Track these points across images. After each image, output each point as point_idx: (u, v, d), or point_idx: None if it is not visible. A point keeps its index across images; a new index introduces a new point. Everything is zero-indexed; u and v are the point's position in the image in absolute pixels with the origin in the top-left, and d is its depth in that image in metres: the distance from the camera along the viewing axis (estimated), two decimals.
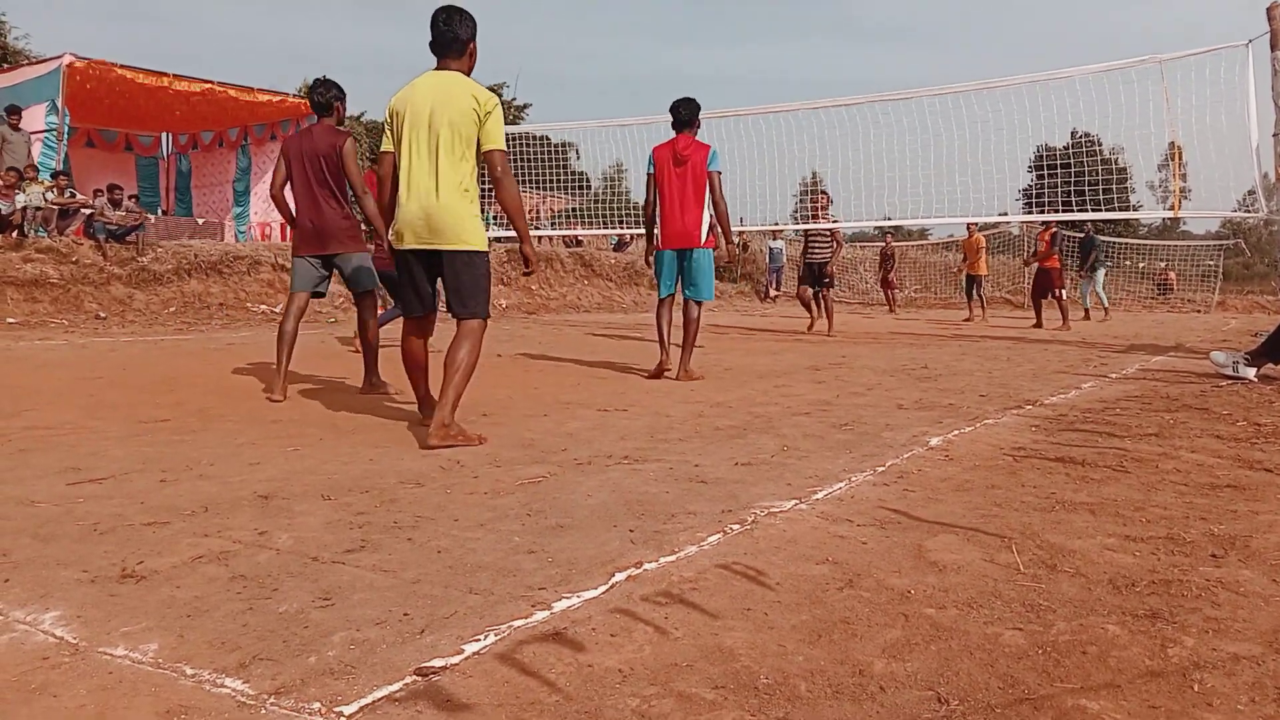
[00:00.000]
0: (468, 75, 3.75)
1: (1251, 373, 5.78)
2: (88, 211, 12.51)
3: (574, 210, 21.90)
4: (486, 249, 3.74)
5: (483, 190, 3.80)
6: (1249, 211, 9.46)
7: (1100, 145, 14.87)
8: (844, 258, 21.76)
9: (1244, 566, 2.13)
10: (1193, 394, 5.25)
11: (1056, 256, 13.12)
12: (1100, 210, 10.30)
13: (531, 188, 14.56)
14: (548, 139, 15.29)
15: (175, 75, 15.21)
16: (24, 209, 11.62)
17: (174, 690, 1.50)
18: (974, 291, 15.54)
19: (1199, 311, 20.65)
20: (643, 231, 6.58)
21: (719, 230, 6.23)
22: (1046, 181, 10.96)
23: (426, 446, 3.51)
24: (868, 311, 18.91)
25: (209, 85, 15.62)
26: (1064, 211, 10.56)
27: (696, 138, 6.05)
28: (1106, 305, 16.17)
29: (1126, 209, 13.13)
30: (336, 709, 1.43)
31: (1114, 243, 22.91)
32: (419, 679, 1.53)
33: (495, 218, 14.16)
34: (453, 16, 3.67)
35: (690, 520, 2.52)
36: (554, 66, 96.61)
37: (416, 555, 2.20)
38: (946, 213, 10.91)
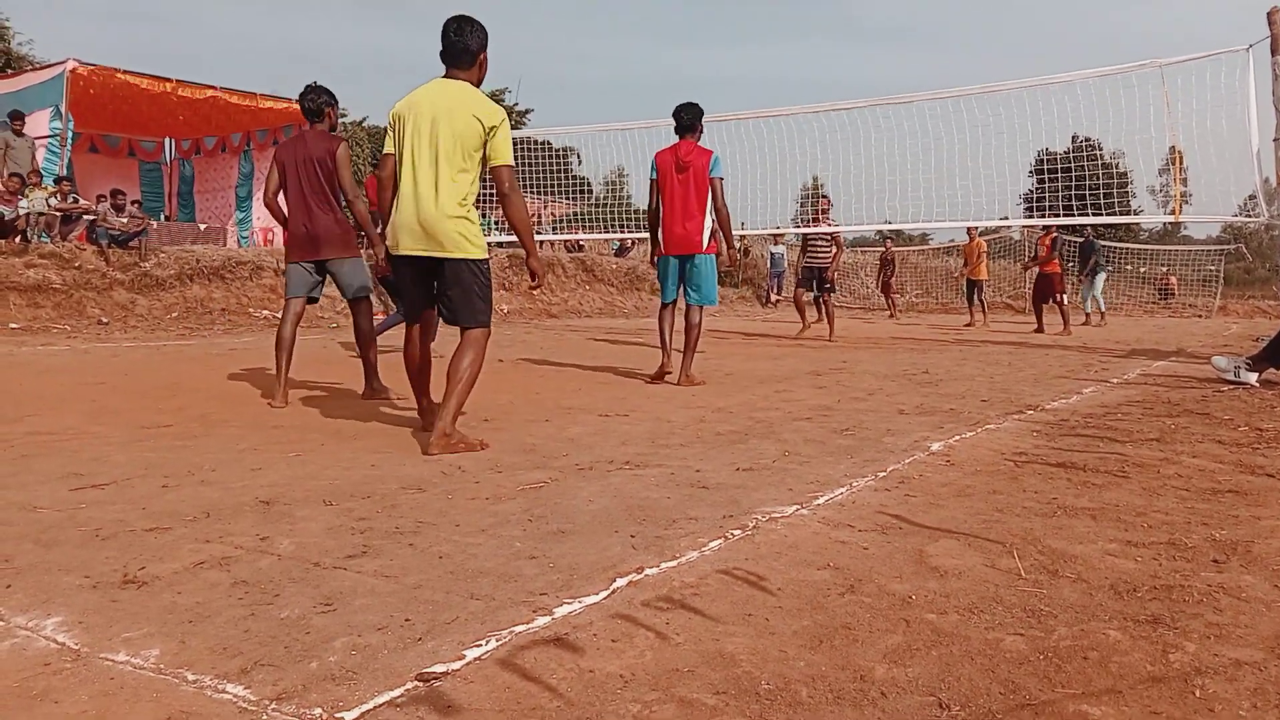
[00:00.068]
0: (477, 86, 3.73)
1: (1253, 378, 5.78)
2: (90, 217, 12.54)
3: (575, 215, 21.92)
4: (486, 257, 3.73)
5: (482, 193, 3.78)
6: (1250, 216, 9.46)
7: (1101, 149, 14.88)
8: (845, 263, 21.79)
9: (1246, 572, 2.13)
10: (1194, 399, 5.25)
11: (1057, 261, 13.13)
12: (1101, 215, 10.30)
13: (533, 193, 14.57)
14: (549, 144, 15.29)
15: (179, 81, 15.28)
16: (27, 214, 11.65)
17: (175, 696, 1.50)
18: (975, 296, 15.55)
19: (1200, 316, 20.65)
20: (644, 236, 6.60)
21: (721, 236, 6.24)
22: (1047, 186, 10.96)
23: (428, 454, 3.51)
24: (868, 316, 18.90)
25: (212, 91, 15.69)
26: (1065, 216, 10.57)
27: (699, 143, 6.06)
28: (1103, 310, 16.16)
29: (1127, 213, 13.15)
30: (338, 715, 1.43)
31: (1115, 247, 22.93)
32: (420, 685, 1.53)
33: (496, 223, 14.18)
34: (464, 27, 3.65)
35: (691, 525, 2.52)
36: (555, 71, 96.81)
37: (418, 561, 2.20)
38: (947, 217, 10.90)
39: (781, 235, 19.57)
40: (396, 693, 1.50)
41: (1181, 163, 9.07)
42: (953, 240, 23.84)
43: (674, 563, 2.19)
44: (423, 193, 3.58)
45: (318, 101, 5.07)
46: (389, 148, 3.75)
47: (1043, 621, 1.83)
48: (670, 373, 6.06)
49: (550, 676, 1.57)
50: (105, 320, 11.03)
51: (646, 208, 6.23)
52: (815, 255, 10.95)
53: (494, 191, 3.70)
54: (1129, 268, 24.63)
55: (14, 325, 10.16)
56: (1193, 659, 1.65)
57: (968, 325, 14.89)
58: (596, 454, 3.56)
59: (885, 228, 14.40)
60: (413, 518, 2.59)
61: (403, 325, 4.06)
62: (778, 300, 21.16)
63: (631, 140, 12.14)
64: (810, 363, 7.72)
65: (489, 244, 3.93)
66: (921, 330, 13.79)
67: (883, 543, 2.38)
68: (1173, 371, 7.05)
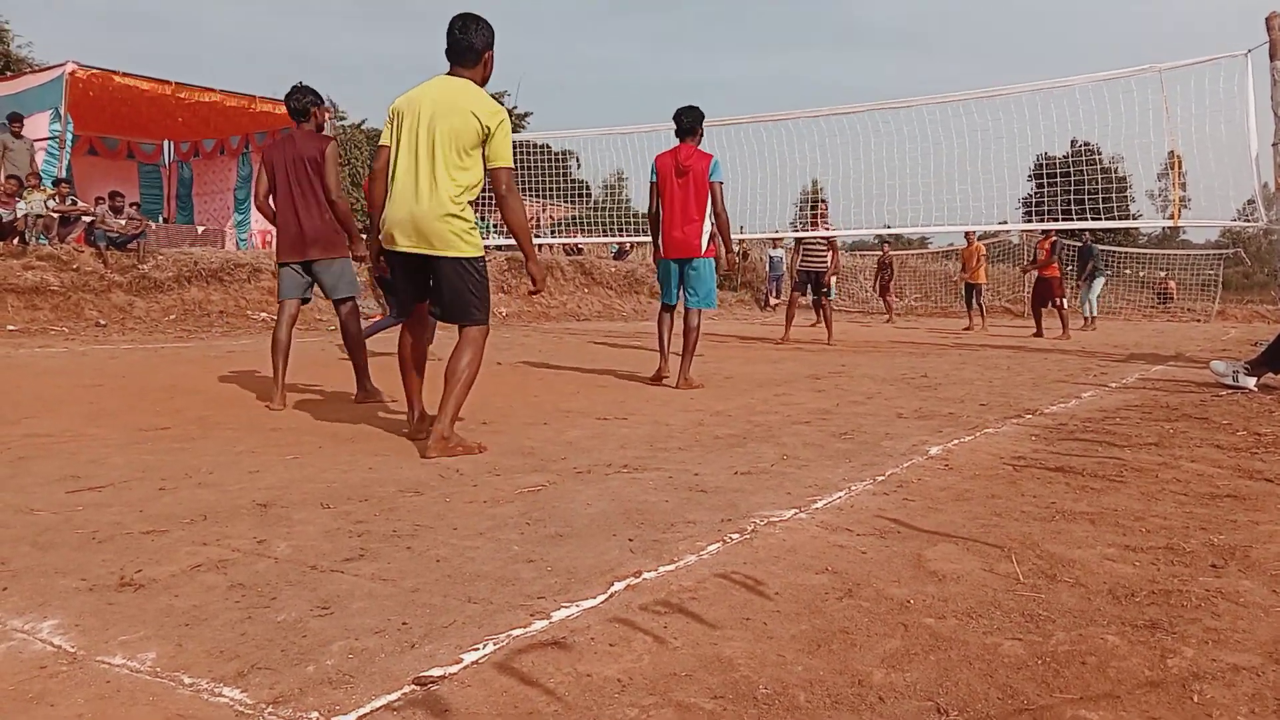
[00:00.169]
0: (481, 85, 3.68)
1: (1251, 382, 5.79)
2: (89, 219, 12.54)
3: (575, 218, 21.95)
4: (480, 254, 3.67)
5: (482, 196, 3.76)
6: (1249, 221, 9.47)
7: (1100, 154, 14.91)
8: (844, 266, 21.81)
9: (1244, 577, 2.13)
10: (1193, 403, 5.25)
11: (1056, 265, 13.15)
12: (1100, 219, 10.31)
13: (532, 196, 14.59)
14: (548, 147, 15.32)
15: (178, 84, 15.29)
16: (25, 216, 11.65)
17: (172, 699, 1.50)
18: (974, 300, 15.56)
19: (1199, 321, 20.67)
20: (642, 240, 6.63)
21: (720, 240, 6.25)
22: (1046, 190, 10.98)
23: (426, 457, 3.51)
24: (867, 320, 18.91)
25: (211, 93, 15.71)
26: (1064, 220, 10.58)
27: (699, 146, 6.07)
28: (1095, 314, 16.18)
29: (1126, 218, 13.16)
30: (334, 718, 1.43)
31: (1114, 251, 22.97)
32: (417, 688, 1.53)
33: (495, 226, 14.18)
34: (469, 25, 3.61)
35: (689, 529, 2.51)
36: (555, 73, 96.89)
37: (415, 564, 2.20)
38: (946, 221, 10.91)
39: (780, 239, 19.59)
40: (393, 696, 1.50)
41: (1180, 167, 9.09)
42: (951, 244, 23.88)
43: (672, 566, 2.18)
44: (415, 190, 3.54)
45: (303, 101, 5.06)
46: (385, 142, 3.71)
47: (1041, 626, 1.83)
48: (667, 377, 6.08)
49: (547, 680, 1.56)
50: (103, 322, 11.02)
51: (647, 211, 6.26)
52: (811, 259, 10.95)
53: (493, 193, 3.67)
54: (1128, 272, 24.66)
55: (12, 327, 10.15)
56: (1191, 664, 1.65)
57: (966, 329, 14.90)
58: (595, 457, 3.56)
59: (885, 232, 14.41)
60: (410, 521, 2.59)
61: (398, 327, 4.04)
62: (776, 304, 21.16)
63: (631, 144, 12.21)
64: (809, 366, 7.72)
65: (487, 247, 3.90)
66: (920, 334, 13.80)
67: (881, 547, 2.38)
68: (1171, 376, 7.06)
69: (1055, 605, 1.94)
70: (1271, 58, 7.40)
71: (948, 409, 5.02)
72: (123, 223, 12.49)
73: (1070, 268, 16.81)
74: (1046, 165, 11.35)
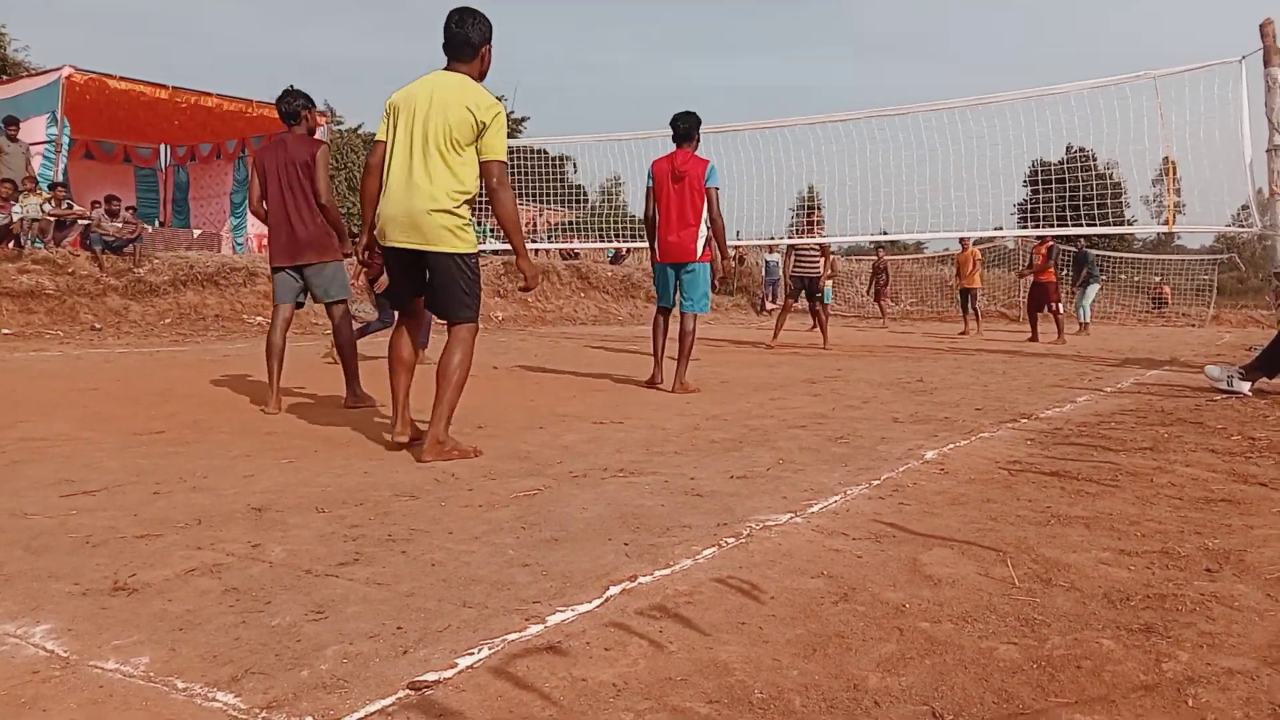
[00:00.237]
0: (478, 80, 3.64)
1: (1246, 387, 5.80)
2: (85, 223, 12.52)
3: (571, 223, 21.96)
4: (474, 252, 3.64)
5: (480, 199, 3.73)
6: (1243, 226, 9.50)
7: (1095, 160, 14.95)
8: (841, 271, 21.86)
9: (1239, 581, 2.13)
10: (1187, 408, 5.26)
11: (1052, 270, 13.19)
12: (1095, 225, 10.34)
13: (529, 200, 14.59)
14: (545, 152, 15.34)
15: (174, 88, 15.28)
16: (21, 220, 11.62)
17: (165, 704, 1.49)
18: (969, 305, 15.59)
19: (1194, 326, 20.72)
20: (638, 246, 6.66)
21: (716, 244, 6.26)
22: (1042, 196, 11.00)
23: (421, 462, 3.50)
24: (862, 325, 18.94)
25: (208, 97, 15.70)
26: (1059, 226, 10.61)
27: (696, 152, 6.09)
28: (1089, 320, 16.23)
29: (1121, 223, 13.19)
30: None
31: (1109, 256, 23.01)
32: (412, 693, 1.52)
33: (492, 230, 14.19)
34: (465, 18, 3.58)
35: (685, 534, 2.51)
36: (552, 78, 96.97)
37: (410, 568, 2.20)
38: (942, 227, 10.95)
39: (777, 244, 19.63)
40: (388, 701, 1.50)
41: (1175, 173, 9.11)
42: (947, 249, 23.93)
43: (668, 571, 2.18)
44: (410, 185, 3.51)
45: (294, 105, 5.06)
46: (380, 136, 3.68)
47: (1036, 630, 1.83)
48: (660, 382, 6.11)
49: (543, 685, 1.56)
50: (98, 326, 11.00)
51: (643, 215, 6.29)
52: (805, 264, 10.97)
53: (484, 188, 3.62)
54: (1123, 277, 24.70)
55: (6, 331, 10.13)
56: (1186, 668, 1.65)
57: (962, 334, 14.92)
58: (590, 461, 3.56)
59: (881, 238, 14.44)
60: (405, 525, 2.59)
61: (387, 331, 4.02)
62: (773, 308, 21.19)
63: (628, 149, 12.21)
64: (805, 371, 7.72)
65: (483, 251, 3.88)
66: (916, 339, 13.82)
67: (877, 551, 2.38)
68: (1166, 380, 7.07)
69: (1050, 609, 1.95)
70: (1266, 64, 7.43)
71: (943, 413, 5.02)
72: (119, 226, 12.46)
73: (1065, 273, 16.84)
74: (1042, 171, 11.37)
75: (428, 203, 3.49)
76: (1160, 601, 1.99)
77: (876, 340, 13.20)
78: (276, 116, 5.24)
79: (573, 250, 19.29)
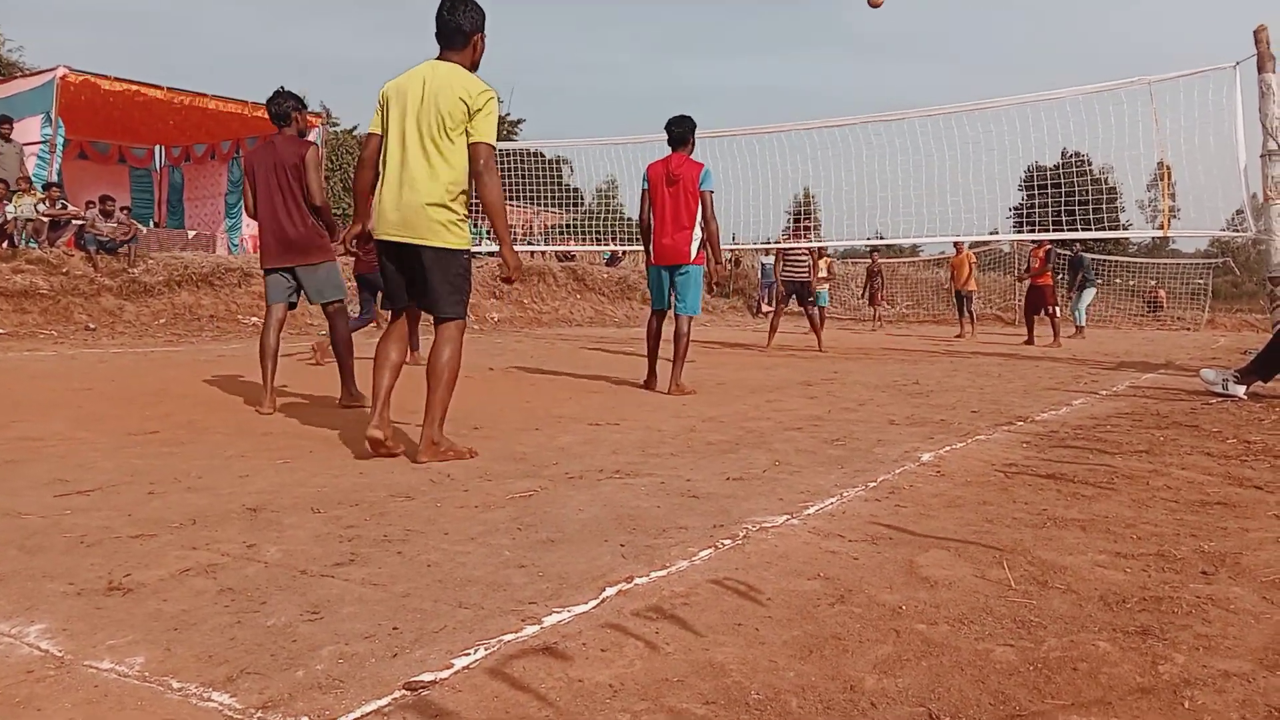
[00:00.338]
0: (471, 69, 3.60)
1: (1241, 390, 5.81)
2: (79, 223, 12.49)
3: (567, 225, 21.98)
4: (465, 248, 3.60)
5: (476, 201, 3.70)
6: (1237, 231, 9.54)
7: (1090, 164, 15.00)
8: (837, 274, 21.90)
9: (1234, 583, 2.14)
10: (1183, 411, 5.27)
11: (1049, 274, 13.23)
12: (1090, 229, 10.37)
13: (525, 202, 14.60)
14: (542, 154, 15.33)
15: (169, 88, 15.26)
16: (15, 220, 11.59)
17: (160, 704, 1.48)
18: (964, 308, 15.63)
19: (1189, 329, 20.78)
20: (634, 247, 6.67)
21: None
22: (1037, 200, 11.02)
23: (417, 462, 3.49)
24: (857, 328, 18.97)
25: (203, 98, 15.68)
26: (1054, 230, 10.63)
27: (691, 156, 6.11)
28: (1084, 323, 16.30)
29: (1116, 228, 13.23)
30: None
31: (1104, 260, 23.06)
32: (408, 693, 1.52)
33: (488, 233, 14.17)
34: (457, 6, 3.54)
35: (681, 535, 2.51)
36: (548, 81, 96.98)
37: (406, 569, 2.19)
38: (938, 232, 10.97)
39: (772, 248, 19.66)
40: (384, 701, 1.49)
41: (1170, 178, 9.13)
42: (942, 252, 23.99)
43: (664, 572, 2.18)
44: (407, 177, 3.48)
45: (284, 106, 5.05)
46: (373, 129, 3.64)
47: (1032, 632, 1.83)
48: (655, 386, 6.13)
49: (539, 685, 1.56)
50: (93, 326, 10.97)
51: (638, 219, 6.32)
52: (794, 269, 11.00)
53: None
54: (1118, 281, 24.76)
55: (1, 331, 10.09)
56: (1182, 670, 1.65)
57: (958, 336, 14.96)
58: (587, 463, 3.55)
59: (878, 242, 14.45)
60: (401, 526, 2.58)
61: (367, 330, 3.97)
62: (769, 310, 21.22)
63: (624, 152, 12.20)
64: (801, 373, 7.73)
65: (478, 253, 3.84)
66: (912, 341, 13.84)
67: (873, 553, 2.38)
68: (1161, 384, 7.09)
69: (1047, 611, 1.95)
70: (1260, 70, 7.46)
71: (939, 416, 5.03)
72: (113, 227, 12.44)
73: (1061, 277, 16.89)
74: (1037, 175, 11.40)
75: (423, 197, 3.46)
76: (1156, 604, 1.99)
77: (872, 343, 13.22)
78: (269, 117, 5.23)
79: (569, 252, 19.29)
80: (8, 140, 12.78)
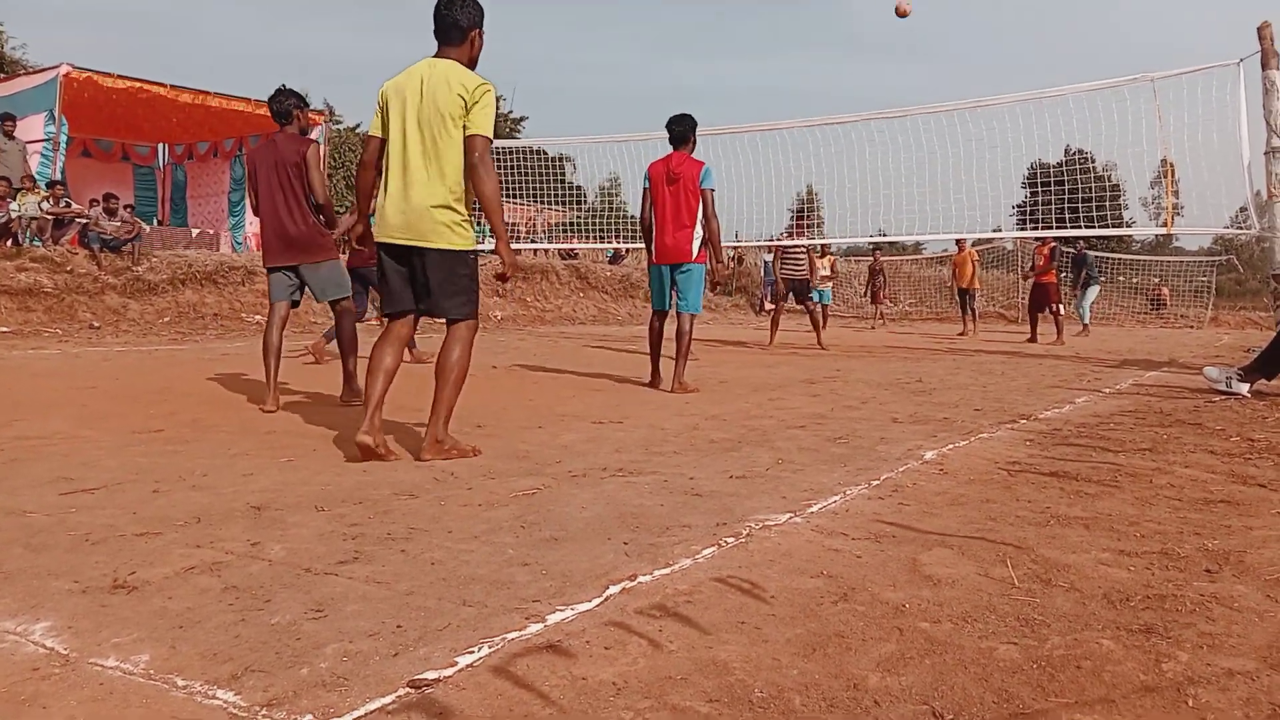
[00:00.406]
0: (469, 65, 3.57)
1: (1245, 388, 5.80)
2: (83, 221, 12.51)
3: (570, 223, 21.98)
4: (471, 249, 3.57)
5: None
6: (1241, 228, 9.51)
7: (1094, 162, 14.97)
8: (840, 272, 21.89)
9: (1238, 582, 2.13)
10: (1186, 409, 5.27)
11: (1054, 272, 13.21)
12: (1094, 226, 10.36)
13: (528, 200, 14.59)
14: (544, 152, 15.33)
15: (172, 86, 15.27)
16: (19, 218, 11.61)
17: (165, 702, 1.49)
18: (967, 306, 15.62)
19: (1192, 327, 20.75)
20: (637, 245, 6.68)
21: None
22: (1040, 198, 11.00)
23: (420, 460, 3.49)
24: (859, 325, 18.95)
25: (205, 95, 15.70)
26: (1058, 228, 10.62)
27: (692, 154, 6.12)
28: (1088, 321, 16.29)
29: (1120, 225, 13.22)
30: None
31: (1107, 258, 23.03)
32: (412, 691, 1.52)
33: (491, 233, 14.19)
34: (454, 1, 3.51)
35: (685, 533, 2.51)
36: (551, 79, 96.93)
37: (410, 567, 2.20)
38: (941, 229, 10.95)
39: (774, 246, 19.65)
40: (388, 699, 1.49)
41: (1173, 175, 9.12)
42: (945, 250, 23.98)
43: (667, 570, 2.18)
44: (409, 179, 3.45)
45: (285, 104, 5.06)
46: (374, 130, 3.62)
47: (1036, 630, 1.83)
48: (659, 385, 6.14)
49: (543, 684, 1.56)
50: (97, 324, 10.99)
51: (640, 218, 6.34)
52: (794, 266, 11.01)
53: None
54: (1121, 278, 24.73)
55: (4, 329, 10.11)
56: (1185, 668, 1.65)
57: (961, 334, 14.95)
58: (590, 461, 3.56)
59: (880, 239, 14.45)
60: (405, 524, 2.58)
61: (366, 327, 3.94)
62: (771, 309, 21.22)
63: (627, 150, 12.19)
64: (804, 371, 7.73)
65: (480, 252, 3.81)
66: (915, 339, 13.83)
67: (876, 551, 2.38)
68: (1165, 382, 7.08)
69: (1050, 610, 1.95)
70: (1264, 67, 7.44)
71: (943, 414, 5.02)
72: (117, 225, 12.46)
73: (1064, 274, 16.88)
74: (1041, 173, 11.37)
75: (426, 198, 3.44)
76: (1160, 602, 1.99)
77: (875, 341, 13.22)
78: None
79: (571, 250, 19.29)
80: (11, 138, 12.80)
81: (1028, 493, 3.07)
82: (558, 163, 16.95)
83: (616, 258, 21.95)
